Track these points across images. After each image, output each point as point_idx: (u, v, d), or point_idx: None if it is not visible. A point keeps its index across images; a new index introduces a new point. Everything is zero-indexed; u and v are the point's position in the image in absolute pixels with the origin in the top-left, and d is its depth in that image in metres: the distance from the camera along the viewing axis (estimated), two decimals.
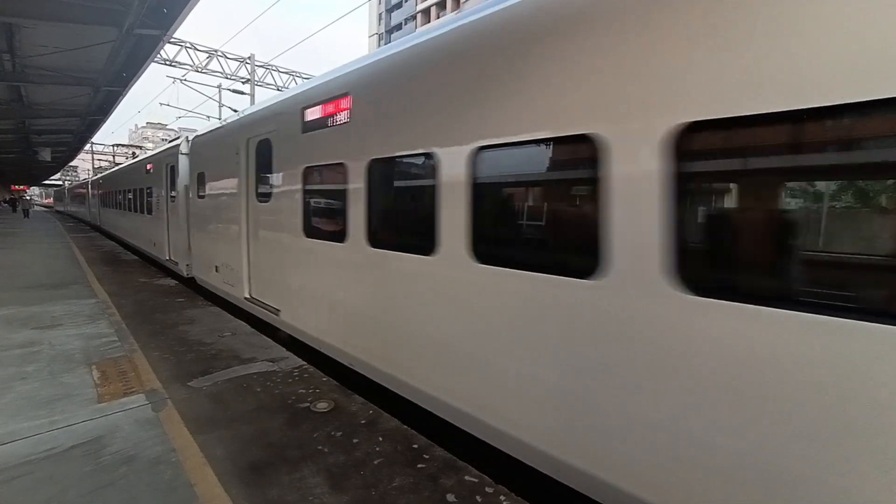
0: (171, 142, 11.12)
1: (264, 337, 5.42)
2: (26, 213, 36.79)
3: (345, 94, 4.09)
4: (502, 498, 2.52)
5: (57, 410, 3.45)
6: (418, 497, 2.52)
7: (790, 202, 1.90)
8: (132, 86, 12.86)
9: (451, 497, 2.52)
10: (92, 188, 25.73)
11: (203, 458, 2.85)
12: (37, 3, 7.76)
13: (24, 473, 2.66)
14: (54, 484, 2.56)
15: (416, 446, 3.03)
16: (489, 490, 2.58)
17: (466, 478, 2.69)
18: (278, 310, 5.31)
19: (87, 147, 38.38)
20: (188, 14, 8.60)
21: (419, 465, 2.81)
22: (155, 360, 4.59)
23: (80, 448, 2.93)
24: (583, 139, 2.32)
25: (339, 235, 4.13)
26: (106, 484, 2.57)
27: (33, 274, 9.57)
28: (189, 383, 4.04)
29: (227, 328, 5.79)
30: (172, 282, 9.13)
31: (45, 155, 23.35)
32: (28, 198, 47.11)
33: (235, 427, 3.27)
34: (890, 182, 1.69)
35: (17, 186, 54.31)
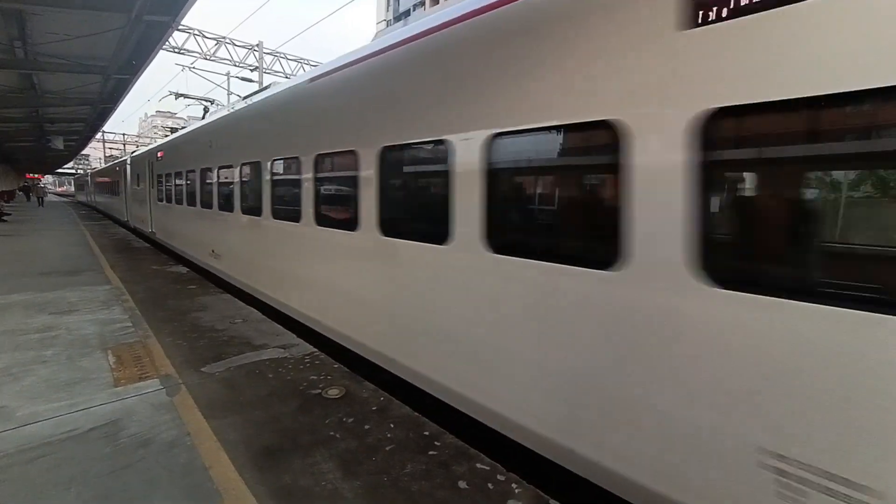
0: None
1: (275, 324, 5.47)
2: (40, 201, 36.36)
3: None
4: (514, 486, 2.52)
5: (76, 393, 3.52)
6: (430, 483, 2.53)
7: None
8: (142, 73, 12.86)
9: (462, 484, 2.53)
10: (135, 168, 16.63)
11: (217, 443, 2.89)
12: None
13: (48, 453, 2.72)
14: (76, 464, 2.62)
15: (427, 433, 3.05)
16: (501, 478, 2.59)
17: (478, 465, 2.70)
18: None
19: (98, 136, 38.72)
20: (196, 0, 8.54)
21: (431, 452, 2.83)
22: (168, 346, 4.66)
23: (99, 430, 3.00)
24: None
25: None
26: (124, 465, 2.62)
27: (48, 260, 9.74)
28: (202, 369, 4.10)
29: (239, 315, 5.85)
30: (184, 269, 9.24)
31: (58, 143, 23.60)
32: (42, 185, 47.68)
33: (248, 412, 3.31)
34: None
35: (31, 175, 55.09)
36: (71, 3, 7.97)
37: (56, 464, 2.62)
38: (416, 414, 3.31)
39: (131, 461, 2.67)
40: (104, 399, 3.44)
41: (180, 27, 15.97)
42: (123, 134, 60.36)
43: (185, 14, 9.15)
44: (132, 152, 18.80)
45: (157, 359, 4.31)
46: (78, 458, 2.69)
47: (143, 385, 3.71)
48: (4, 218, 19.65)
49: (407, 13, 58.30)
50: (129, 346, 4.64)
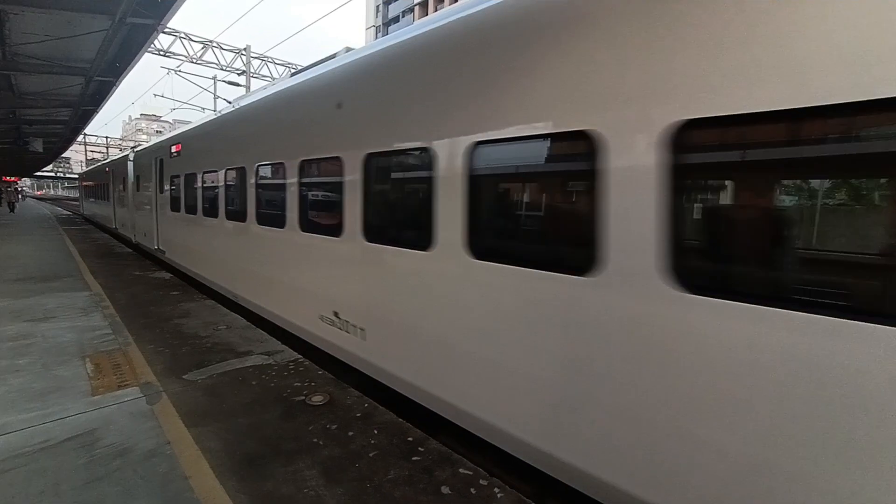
0: None
1: (260, 330, 5.41)
2: (11, 206, 32.73)
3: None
4: (496, 490, 2.54)
5: (50, 403, 3.43)
6: (413, 489, 2.53)
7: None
8: (125, 76, 12.66)
9: (445, 489, 2.54)
10: (139, 167, 12.73)
11: (198, 451, 2.85)
12: None
13: (18, 466, 2.65)
14: (47, 476, 2.55)
15: (410, 439, 3.04)
16: (483, 482, 2.60)
17: (461, 470, 2.71)
18: None
19: (80, 139, 37.88)
20: (182, 3, 8.47)
21: (414, 458, 2.83)
22: (149, 353, 4.57)
23: (74, 441, 2.92)
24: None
25: None
26: (100, 476, 2.56)
27: (24, 266, 9.48)
28: (184, 376, 4.03)
29: (223, 321, 5.77)
30: (167, 275, 9.07)
31: (37, 146, 23.01)
32: (19, 189, 45.97)
33: (231, 420, 3.27)
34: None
35: (7, 178, 53.59)
36: (52, 4, 7.84)
37: (27, 476, 2.55)
38: (401, 420, 3.31)
39: (107, 472, 2.61)
40: (80, 408, 3.36)
41: (166, 30, 15.78)
42: (107, 137, 59.19)
43: (171, 17, 9.06)
44: (134, 146, 15.11)
45: (137, 366, 4.22)
46: (50, 469, 2.62)
47: (122, 393, 3.64)
48: None
49: (396, 19, 58.58)
50: (109, 353, 4.54)
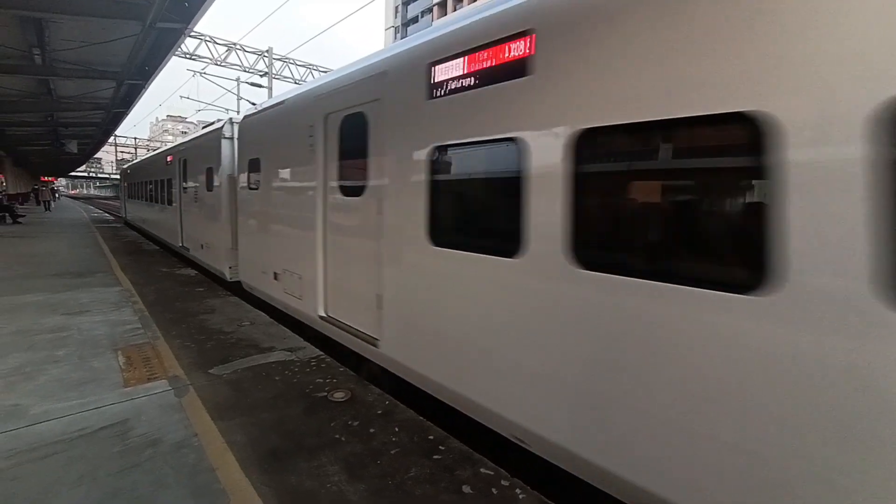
0: None
1: (282, 327, 5.52)
2: (46, 205, 32.62)
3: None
4: (518, 491, 2.52)
5: (87, 393, 3.58)
6: (435, 488, 2.54)
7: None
8: (154, 79, 13.10)
9: (466, 489, 2.54)
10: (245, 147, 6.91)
11: (224, 444, 2.93)
12: None
13: (59, 451, 2.77)
14: (86, 462, 2.67)
15: (431, 437, 3.06)
16: (505, 483, 2.59)
17: (482, 470, 2.71)
18: None
19: (111, 140, 39.40)
20: (209, 7, 8.70)
21: (435, 457, 2.84)
22: (176, 348, 4.72)
23: (109, 430, 3.04)
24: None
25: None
26: (133, 465, 2.66)
27: (61, 262, 9.91)
28: (210, 370, 4.15)
29: (246, 318, 5.91)
30: (192, 272, 9.35)
31: (72, 147, 24.03)
32: (54, 188, 47.86)
33: (255, 414, 3.34)
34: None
35: (45, 177, 56.17)
36: (89, 11, 8.17)
37: (67, 462, 2.67)
38: (421, 418, 3.33)
39: (140, 461, 2.71)
40: (114, 399, 3.49)
41: (192, 34, 16.27)
42: (135, 138, 61.43)
43: (198, 21, 9.32)
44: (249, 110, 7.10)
45: (165, 360, 4.36)
46: (88, 456, 2.73)
47: (152, 386, 3.76)
48: (19, 220, 20.03)
49: (415, 20, 58.85)
50: (139, 347, 4.71)
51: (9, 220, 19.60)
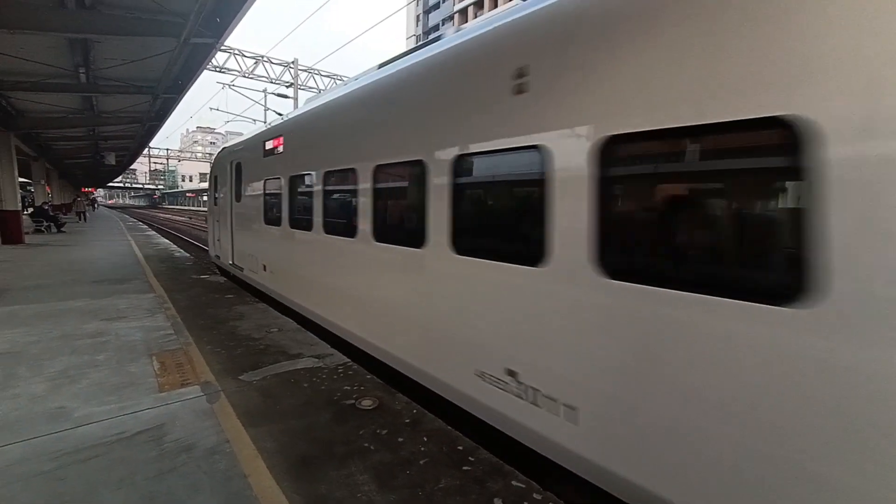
0: None
1: (310, 334, 5.59)
2: (82, 216, 32.04)
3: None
4: None
5: (124, 397, 3.69)
6: (465, 500, 2.49)
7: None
8: (186, 92, 13.64)
9: (498, 501, 2.48)
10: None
11: (255, 450, 2.96)
12: (110, 19, 8.43)
13: (100, 454, 2.86)
14: (125, 466, 2.74)
15: (461, 448, 3.01)
16: (537, 497, 2.52)
17: (513, 482, 2.64)
18: None
19: (145, 151, 41.18)
20: (239, 22, 9.01)
21: (465, 468, 2.79)
22: (208, 354, 4.83)
23: (146, 434, 3.12)
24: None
25: None
26: (169, 469, 2.72)
27: (100, 269, 10.37)
28: (240, 377, 4.22)
29: (275, 324, 6.02)
30: (221, 279, 9.62)
31: (110, 159, 25.24)
32: (92, 198, 49.88)
33: (285, 421, 3.37)
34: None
35: (85, 188, 59.17)
36: (130, 31, 8.61)
37: (108, 465, 2.75)
38: (449, 428, 3.28)
39: (175, 465, 2.76)
40: (150, 404, 3.59)
41: (222, 48, 16.89)
42: (167, 149, 64.10)
43: (228, 35, 9.66)
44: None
45: (197, 366, 4.47)
46: (127, 460, 2.81)
47: (185, 391, 3.86)
48: (63, 229, 21.13)
49: (436, 28, 59.52)
50: (172, 352, 4.84)
51: (53, 229, 20.70)
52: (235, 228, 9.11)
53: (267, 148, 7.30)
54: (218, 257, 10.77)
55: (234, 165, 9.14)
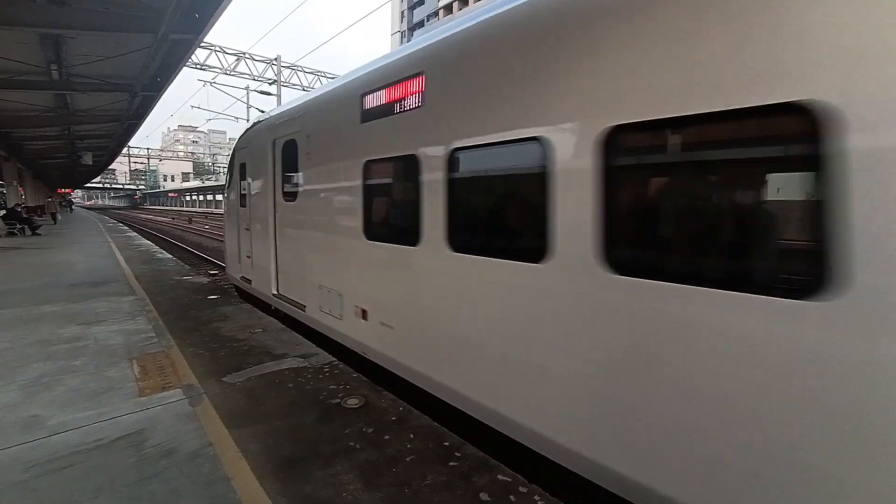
0: None
1: (294, 333, 5.52)
2: (53, 217, 29.58)
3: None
4: (536, 498, 2.47)
5: (103, 403, 3.60)
6: (452, 495, 2.50)
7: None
8: (166, 89, 13.32)
9: (484, 496, 2.49)
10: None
11: (239, 453, 2.91)
12: (82, 14, 8.16)
13: (77, 462, 2.78)
14: (103, 473, 2.67)
15: (447, 444, 3.01)
16: (523, 490, 2.54)
17: (499, 477, 2.65)
18: None
19: (124, 151, 40.20)
20: (218, 18, 8.82)
21: (451, 463, 2.79)
22: (190, 356, 4.74)
23: (125, 440, 3.05)
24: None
25: None
26: (150, 475, 2.66)
27: (78, 272, 10.09)
28: (223, 378, 4.15)
29: (259, 325, 5.94)
30: (205, 279, 9.44)
31: (87, 159, 24.58)
32: (69, 200, 47.98)
33: (269, 422, 3.33)
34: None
35: (61, 189, 57.47)
36: (107, 26, 8.36)
37: (84, 473, 2.68)
38: (436, 424, 3.28)
39: (156, 471, 2.70)
40: (129, 409, 3.51)
41: (202, 44, 16.54)
42: (148, 148, 62.61)
43: (208, 31, 9.46)
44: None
45: (179, 368, 4.39)
46: (105, 467, 2.74)
47: (167, 395, 3.78)
48: (38, 231, 20.50)
49: (421, 24, 59.19)
50: (153, 356, 4.74)
51: (28, 231, 20.07)
52: (282, 242, 6.19)
53: (373, 104, 3.93)
54: (247, 281, 7.43)
55: (278, 145, 6.12)
